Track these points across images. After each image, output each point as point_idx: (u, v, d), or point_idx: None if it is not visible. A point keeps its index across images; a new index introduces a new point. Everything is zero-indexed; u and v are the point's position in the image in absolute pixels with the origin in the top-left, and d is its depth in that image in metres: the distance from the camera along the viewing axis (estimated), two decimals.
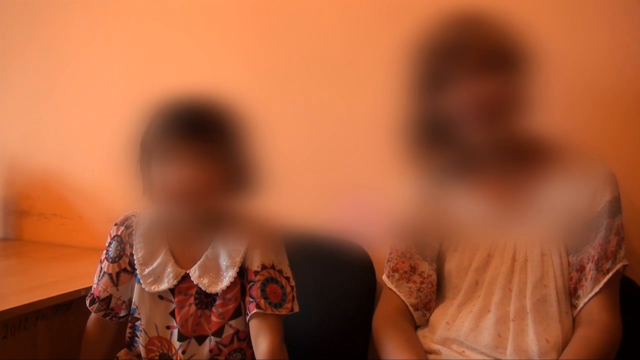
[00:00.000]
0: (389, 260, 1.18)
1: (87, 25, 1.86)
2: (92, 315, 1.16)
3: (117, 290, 1.13)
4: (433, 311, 1.13)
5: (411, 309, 1.13)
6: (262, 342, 1.05)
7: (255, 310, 1.05)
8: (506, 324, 1.02)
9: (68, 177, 1.90)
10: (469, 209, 1.12)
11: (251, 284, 1.08)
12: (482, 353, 1.01)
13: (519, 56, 1.02)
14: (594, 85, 1.25)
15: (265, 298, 1.06)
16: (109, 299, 1.13)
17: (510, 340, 1.00)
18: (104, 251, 1.14)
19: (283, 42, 1.56)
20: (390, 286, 1.15)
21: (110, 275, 1.13)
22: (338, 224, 1.43)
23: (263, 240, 1.10)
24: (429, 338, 1.09)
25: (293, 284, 1.11)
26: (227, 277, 1.08)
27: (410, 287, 1.13)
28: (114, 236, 1.14)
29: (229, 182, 1.06)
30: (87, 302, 1.15)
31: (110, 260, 1.13)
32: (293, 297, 1.10)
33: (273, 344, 1.05)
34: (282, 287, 1.09)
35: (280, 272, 1.10)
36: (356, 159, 1.47)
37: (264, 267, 1.08)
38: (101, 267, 1.14)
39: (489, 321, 1.03)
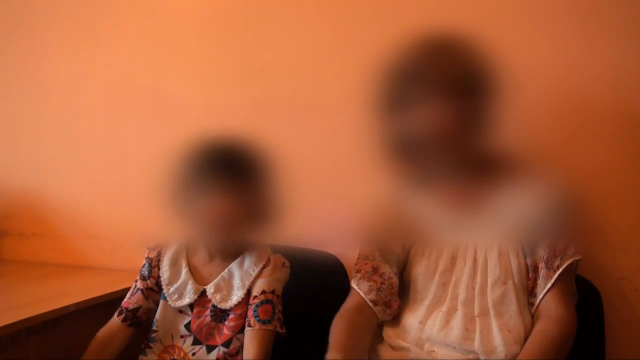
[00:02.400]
0: (355, 264, 1.25)
1: (66, 44, 1.89)
2: (106, 326, 1.29)
3: (148, 302, 1.30)
4: (402, 312, 1.19)
5: (370, 304, 1.18)
6: (247, 354, 1.19)
7: (246, 328, 1.22)
8: (472, 320, 1.11)
9: (47, 195, 1.91)
10: (433, 216, 1.20)
11: (249, 306, 1.23)
12: (453, 348, 1.10)
13: (481, 82, 1.09)
14: (560, 99, 1.36)
15: (256, 317, 1.21)
16: (137, 309, 1.29)
17: (477, 334, 1.09)
18: (140, 271, 1.32)
19: (257, 55, 1.64)
20: (353, 286, 1.21)
21: (142, 290, 1.30)
22: (311, 234, 1.49)
23: (273, 271, 1.27)
24: (402, 337, 1.16)
25: (280, 307, 1.25)
26: (236, 296, 1.25)
27: (370, 285, 1.19)
28: (146, 258, 1.33)
29: (254, 213, 1.23)
30: (116, 314, 1.30)
31: (142, 278, 1.31)
32: (279, 318, 1.24)
33: (255, 355, 1.18)
34: (273, 306, 1.23)
35: (278, 296, 1.25)
36: (327, 171, 1.55)
37: (263, 292, 1.24)
38: (135, 285, 1.32)
39: (457, 319, 1.11)
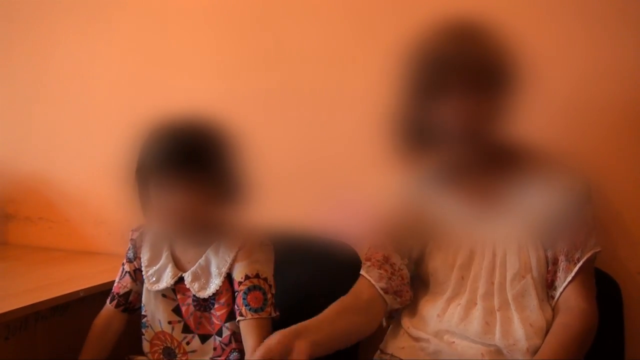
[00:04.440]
0: (365, 253, 1.23)
1: (75, 27, 1.87)
2: (102, 311, 1.28)
3: (136, 284, 1.27)
4: (420, 303, 1.18)
5: (381, 292, 1.16)
6: (246, 347, 1.15)
7: (238, 318, 1.16)
8: (493, 314, 1.09)
9: (54, 180, 1.91)
10: (451, 210, 1.18)
11: (237, 293, 1.17)
12: (472, 340, 1.08)
13: (506, 73, 1.06)
14: (585, 94, 1.33)
15: (246, 305, 1.15)
16: (128, 294, 1.27)
17: (497, 327, 1.07)
18: (126, 253, 1.29)
19: (269, 43, 1.61)
20: (362, 273, 1.20)
21: (129, 272, 1.28)
22: (327, 224, 1.47)
23: (249, 252, 1.19)
24: (421, 328, 1.14)
25: (274, 291, 1.19)
26: (214, 284, 1.19)
27: (380, 273, 1.17)
28: (130, 240, 1.29)
29: (219, 199, 1.16)
30: (108, 300, 1.28)
31: (128, 260, 1.28)
32: (272, 303, 1.18)
33: (254, 348, 1.11)
34: (264, 293, 1.17)
35: (265, 279, 1.18)
36: (344, 161, 1.53)
37: (247, 277, 1.17)
38: (123, 268, 1.29)
39: (477, 312, 1.09)
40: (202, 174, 1.11)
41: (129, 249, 1.28)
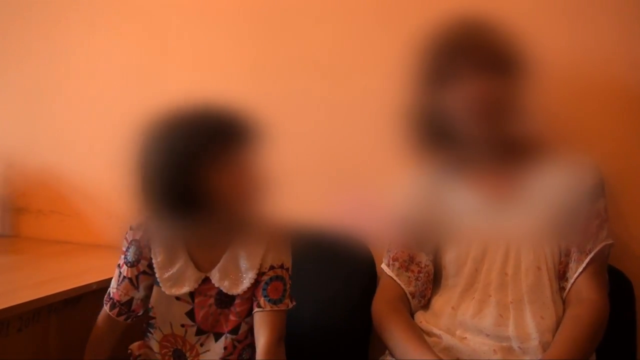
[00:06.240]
0: (388, 251, 1.24)
1: (85, 22, 1.87)
2: (103, 315, 1.17)
3: (138, 291, 1.15)
4: (433, 298, 1.19)
5: (409, 297, 1.19)
6: (259, 339, 1.10)
7: (255, 309, 1.12)
8: (506, 307, 1.10)
9: (66, 173, 1.90)
10: (465, 202, 1.18)
11: (258, 283, 1.13)
12: (485, 335, 1.08)
13: (517, 60, 1.09)
14: (589, 85, 1.32)
15: (265, 296, 1.12)
16: (130, 302, 1.15)
17: (511, 319, 1.08)
18: (122, 256, 1.16)
19: (285, 41, 1.61)
20: (390, 274, 1.21)
21: (130, 279, 1.14)
22: (340, 219, 1.46)
23: (278, 244, 1.15)
24: (433, 323, 1.15)
25: (290, 282, 1.16)
26: (247, 278, 1.13)
27: (409, 276, 1.20)
28: (131, 240, 1.16)
29: (253, 188, 1.10)
30: (107, 307, 1.16)
31: (129, 264, 1.15)
32: (289, 294, 1.15)
33: (269, 340, 1.09)
34: (284, 284, 1.14)
35: (287, 270, 1.16)
36: (357, 156, 1.52)
37: (272, 267, 1.13)
38: (120, 272, 1.16)
39: (491, 306, 1.10)
40: (241, 155, 1.08)
41: (127, 250, 1.15)
